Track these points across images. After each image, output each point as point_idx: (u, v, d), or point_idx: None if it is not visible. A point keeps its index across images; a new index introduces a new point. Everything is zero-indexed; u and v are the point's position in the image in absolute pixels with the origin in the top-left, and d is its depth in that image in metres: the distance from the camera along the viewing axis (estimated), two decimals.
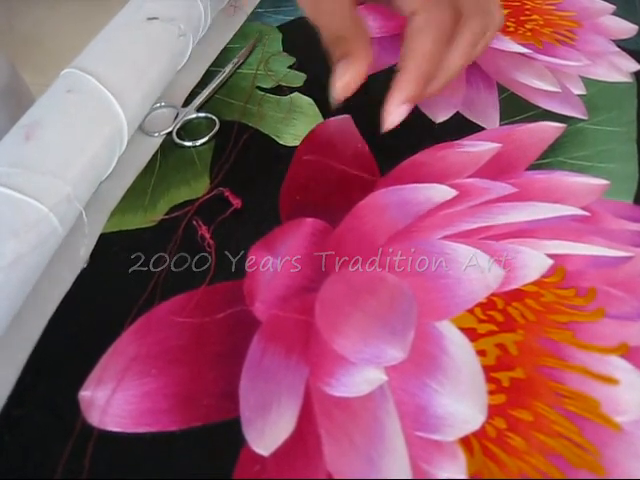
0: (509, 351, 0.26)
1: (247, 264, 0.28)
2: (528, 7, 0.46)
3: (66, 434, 0.23)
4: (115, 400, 0.24)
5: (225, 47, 0.41)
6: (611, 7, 0.46)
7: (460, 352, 0.25)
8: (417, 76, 0.29)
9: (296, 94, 0.37)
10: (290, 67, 0.39)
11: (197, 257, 0.29)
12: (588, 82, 0.39)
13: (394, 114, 0.30)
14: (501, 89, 0.38)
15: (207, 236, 0.29)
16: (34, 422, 0.24)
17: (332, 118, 0.35)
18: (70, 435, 0.23)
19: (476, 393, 0.24)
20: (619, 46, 0.42)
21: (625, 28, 0.44)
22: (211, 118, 0.36)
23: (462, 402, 0.24)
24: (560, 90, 0.39)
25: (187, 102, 0.37)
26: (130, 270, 0.28)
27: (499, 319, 0.27)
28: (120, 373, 0.25)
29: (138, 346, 0.25)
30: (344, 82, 0.29)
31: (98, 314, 0.27)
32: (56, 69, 0.33)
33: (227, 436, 0.23)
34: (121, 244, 0.29)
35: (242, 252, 0.29)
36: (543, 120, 0.36)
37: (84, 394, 0.24)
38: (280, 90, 0.38)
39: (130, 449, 0.23)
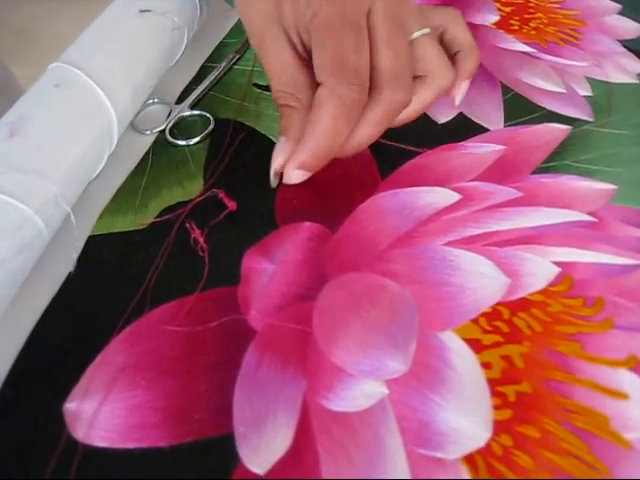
0: (515, 364, 0.25)
1: (242, 270, 0.27)
2: (532, 5, 0.45)
3: (50, 449, 0.22)
4: (102, 413, 0.23)
5: (221, 42, 0.40)
6: (616, 6, 0.45)
7: (464, 364, 0.24)
8: (313, 149, 0.28)
9: None
10: None
11: (190, 262, 0.27)
12: (594, 83, 0.38)
13: (289, 176, 0.29)
14: (505, 89, 0.37)
15: (200, 240, 0.28)
16: (16, 436, 0.22)
17: None
18: (54, 450, 0.22)
19: (481, 408, 0.23)
20: (625, 46, 0.41)
21: (631, 28, 0.43)
22: (206, 116, 0.34)
23: (466, 418, 0.23)
24: (565, 91, 0.37)
25: (181, 99, 0.36)
26: (119, 275, 0.27)
27: (504, 330, 0.26)
28: (108, 385, 0.23)
29: (127, 356, 0.24)
30: (278, 163, 0.29)
31: (85, 321, 0.26)
32: (49, 62, 0.32)
33: (220, 453, 0.22)
34: (110, 247, 0.28)
35: (237, 257, 0.28)
36: (548, 122, 0.35)
37: (69, 406, 0.23)
38: None
39: (117, 466, 0.22)
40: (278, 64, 0.29)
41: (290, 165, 0.29)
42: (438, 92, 0.31)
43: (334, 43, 0.27)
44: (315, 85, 0.28)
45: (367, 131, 0.29)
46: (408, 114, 0.30)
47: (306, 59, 0.29)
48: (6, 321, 0.25)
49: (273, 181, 0.30)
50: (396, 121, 0.30)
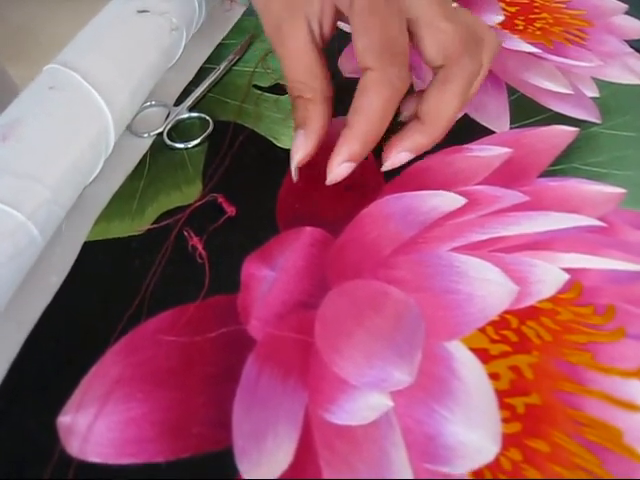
0: (524, 374, 0.24)
1: (242, 277, 0.26)
2: (537, 5, 0.44)
3: (42, 464, 0.21)
4: (97, 427, 0.22)
5: (220, 43, 0.39)
6: (623, 6, 0.44)
7: (471, 375, 0.24)
8: (363, 135, 0.27)
9: None
10: None
11: (188, 269, 0.27)
12: (601, 84, 0.37)
13: (335, 172, 0.28)
14: (510, 90, 0.37)
15: (199, 246, 0.27)
16: (7, 451, 0.22)
17: (333, 119, 0.33)
18: (47, 465, 0.21)
19: (489, 421, 0.22)
20: (632, 46, 0.41)
21: (638, 28, 0.42)
22: (204, 118, 0.34)
23: (474, 431, 0.22)
24: (572, 92, 0.37)
25: (179, 101, 0.35)
26: (115, 283, 0.26)
27: (513, 339, 0.25)
28: (103, 397, 0.23)
29: (122, 367, 0.23)
30: (299, 158, 0.29)
31: (79, 331, 0.25)
32: (50, 62, 0.31)
33: (219, 468, 0.21)
34: (106, 254, 0.27)
35: (236, 264, 0.27)
36: (555, 123, 0.34)
37: (63, 420, 0.22)
38: (279, 89, 0.36)
39: None
40: (295, 52, 0.28)
41: (337, 158, 0.28)
42: (494, 55, 0.30)
43: (381, 26, 0.26)
44: (330, 77, 0.28)
45: (456, 106, 0.28)
46: (477, 84, 0.30)
47: (321, 49, 0.29)
48: None
49: (295, 176, 0.29)
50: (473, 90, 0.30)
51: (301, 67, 0.28)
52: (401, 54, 0.27)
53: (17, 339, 0.24)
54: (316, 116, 0.28)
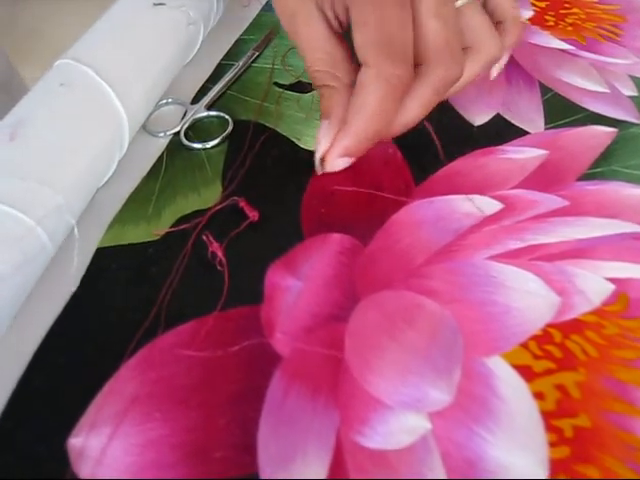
0: (570, 394, 0.22)
1: (265, 287, 0.25)
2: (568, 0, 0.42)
3: None
4: (111, 450, 0.20)
5: (239, 38, 0.38)
6: None
7: (514, 395, 0.22)
8: (359, 133, 0.27)
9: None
10: None
11: (208, 278, 0.25)
12: (639, 82, 0.36)
13: (331, 165, 0.28)
14: (544, 89, 0.35)
15: (219, 253, 0.26)
16: (13, 476, 0.20)
17: None
18: None
19: (535, 444, 0.21)
20: None
21: None
22: (223, 117, 0.32)
23: (518, 455, 0.20)
24: (608, 90, 0.35)
25: (197, 99, 0.34)
26: (130, 292, 0.25)
27: (557, 355, 0.23)
28: (118, 417, 0.21)
29: (139, 384, 0.22)
30: (324, 148, 0.28)
31: (92, 345, 0.23)
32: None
33: None
34: (120, 261, 0.26)
35: (259, 272, 0.25)
36: (592, 124, 0.33)
37: (74, 442, 0.20)
38: (301, 86, 0.34)
39: None
40: (312, 41, 0.28)
41: (333, 152, 0.28)
42: (486, 64, 0.30)
43: (378, 19, 0.25)
44: (352, 60, 0.28)
45: (415, 111, 0.27)
46: (454, 89, 0.29)
47: (341, 34, 0.28)
48: (6, 344, 0.23)
49: (319, 168, 0.29)
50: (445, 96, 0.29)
51: (320, 55, 0.28)
52: (400, 51, 0.26)
53: (25, 353, 0.23)
54: (341, 105, 0.27)
